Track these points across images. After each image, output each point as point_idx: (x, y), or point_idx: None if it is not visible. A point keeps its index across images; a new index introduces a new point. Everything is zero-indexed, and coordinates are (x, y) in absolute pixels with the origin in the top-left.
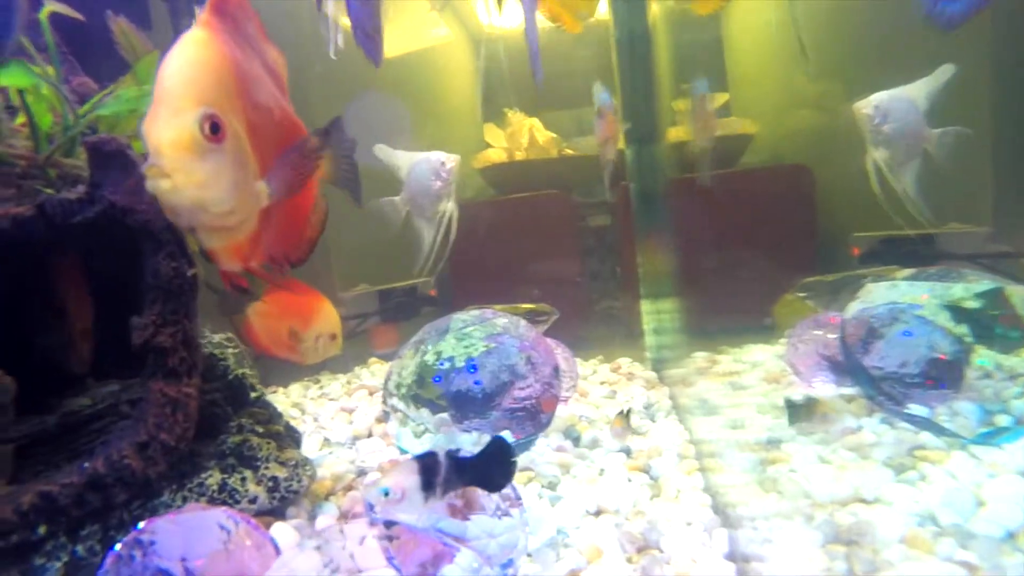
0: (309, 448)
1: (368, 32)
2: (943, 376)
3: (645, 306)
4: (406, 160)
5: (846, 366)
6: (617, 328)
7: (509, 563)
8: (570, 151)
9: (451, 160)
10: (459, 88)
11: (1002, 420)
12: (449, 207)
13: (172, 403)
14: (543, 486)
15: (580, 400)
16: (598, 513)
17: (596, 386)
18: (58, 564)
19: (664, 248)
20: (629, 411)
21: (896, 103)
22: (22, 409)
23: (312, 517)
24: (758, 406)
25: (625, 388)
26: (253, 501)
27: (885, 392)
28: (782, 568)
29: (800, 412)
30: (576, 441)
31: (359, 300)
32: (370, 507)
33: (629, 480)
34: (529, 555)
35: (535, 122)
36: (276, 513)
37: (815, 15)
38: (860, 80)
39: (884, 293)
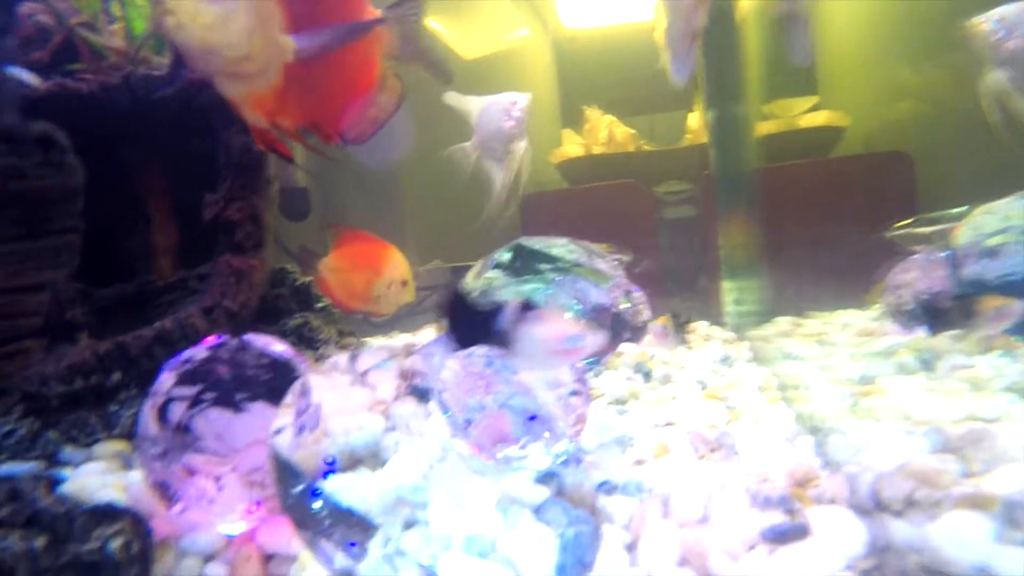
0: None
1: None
2: None
3: (727, 285)
4: (476, 104)
5: (959, 290)
6: (695, 304)
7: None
8: (648, 147)
9: (523, 99)
10: (539, 89)
11: None
12: (521, 147)
13: (236, 273)
14: (610, 403)
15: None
16: (668, 425)
17: None
18: (129, 412)
19: (751, 233)
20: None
21: (1023, 15)
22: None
23: None
24: (850, 355)
25: (701, 347)
26: None
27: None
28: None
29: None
30: (647, 376)
31: (432, 274)
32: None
33: (704, 405)
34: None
35: (613, 119)
36: None
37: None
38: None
39: (990, 217)
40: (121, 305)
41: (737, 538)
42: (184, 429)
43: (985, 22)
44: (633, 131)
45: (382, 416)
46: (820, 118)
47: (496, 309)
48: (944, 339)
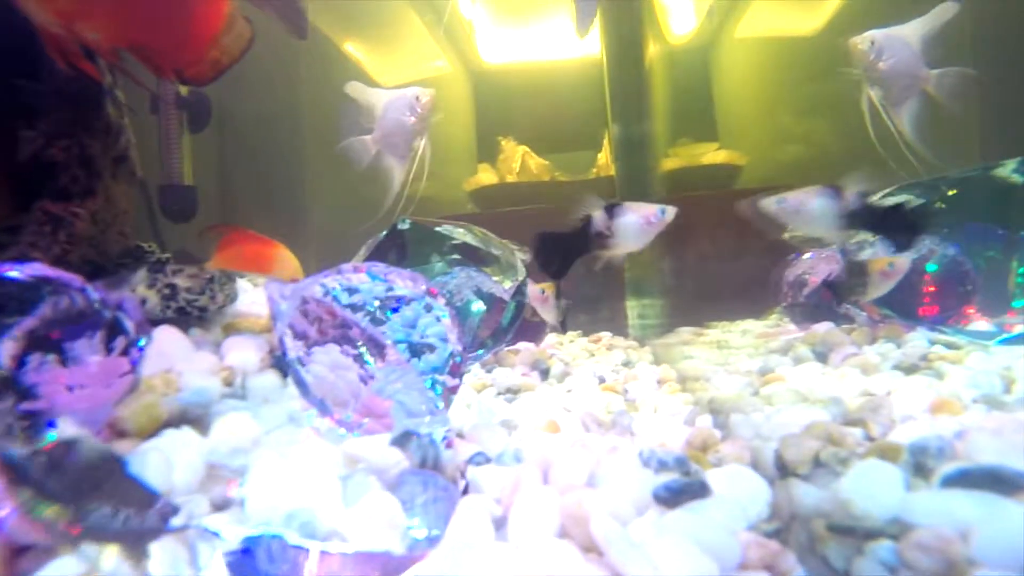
0: None
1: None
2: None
3: (631, 303)
4: (380, 97)
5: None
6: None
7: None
8: (563, 178)
9: (426, 94)
10: (455, 122)
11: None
12: (422, 144)
13: (54, 221)
14: (499, 393)
15: (559, 348)
16: (562, 412)
17: (571, 348)
18: None
19: (654, 255)
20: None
21: (892, 40)
22: None
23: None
24: (748, 354)
25: (604, 355)
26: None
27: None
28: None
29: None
30: (544, 373)
31: None
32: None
33: (601, 397)
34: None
35: (527, 149)
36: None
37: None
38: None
39: None
40: None
41: (626, 500)
42: None
43: (862, 43)
44: (547, 162)
45: (221, 382)
46: (720, 156)
47: (585, 221)
48: (836, 333)
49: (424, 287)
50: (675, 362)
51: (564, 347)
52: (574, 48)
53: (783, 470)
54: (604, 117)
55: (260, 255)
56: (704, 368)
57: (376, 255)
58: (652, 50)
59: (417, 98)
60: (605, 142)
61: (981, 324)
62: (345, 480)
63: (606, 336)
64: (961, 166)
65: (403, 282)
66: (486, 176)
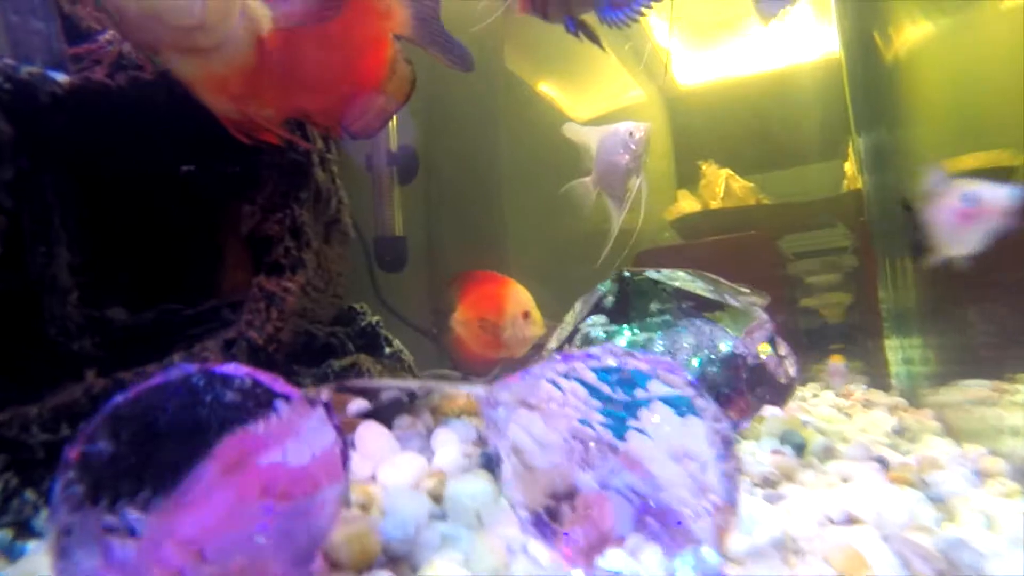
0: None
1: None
2: None
3: (891, 342)
4: (594, 135)
5: None
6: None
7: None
8: (767, 200)
9: (640, 129)
10: (652, 150)
11: None
12: (636, 184)
13: (268, 297)
14: (755, 484)
15: (805, 412)
16: (850, 522)
17: (820, 408)
18: None
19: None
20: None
21: None
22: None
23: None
24: None
25: (863, 416)
26: None
27: None
28: None
29: None
30: (799, 449)
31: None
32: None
33: (893, 493)
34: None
35: (730, 172)
36: None
37: None
38: None
39: None
40: (141, 337)
41: None
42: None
43: None
44: (751, 184)
45: (428, 496)
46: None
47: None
48: None
49: (686, 380)
50: (984, 437)
51: (806, 401)
52: (785, 56)
53: None
54: (843, 125)
55: (498, 295)
56: None
57: (596, 311)
58: (912, 34)
59: (631, 134)
60: (849, 151)
61: None
62: None
63: (858, 388)
64: None
65: (666, 376)
66: (688, 203)
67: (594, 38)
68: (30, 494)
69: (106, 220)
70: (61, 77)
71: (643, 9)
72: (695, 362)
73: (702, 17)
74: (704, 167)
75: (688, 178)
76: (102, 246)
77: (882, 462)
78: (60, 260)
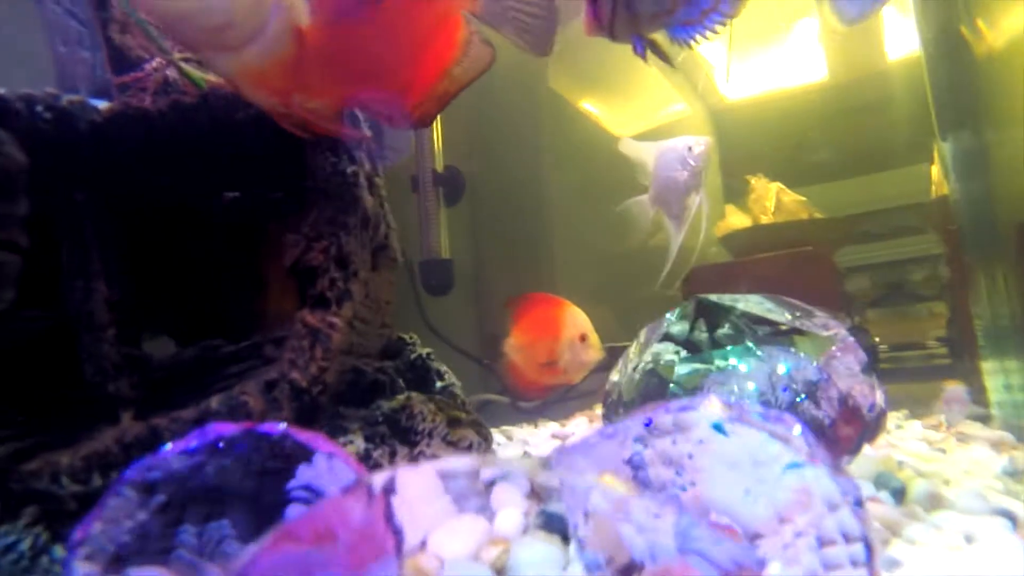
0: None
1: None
2: None
3: (988, 365)
4: (651, 151)
5: None
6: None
7: None
8: (818, 214)
9: (699, 143)
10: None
11: None
12: (696, 201)
13: (312, 334)
14: None
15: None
16: None
17: (910, 443)
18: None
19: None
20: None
21: None
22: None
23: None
24: None
25: (962, 452)
26: None
27: None
28: None
29: None
30: (898, 495)
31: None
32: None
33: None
34: None
35: (780, 186)
36: None
37: None
38: None
39: None
40: (180, 374)
41: None
42: None
43: None
44: (803, 198)
45: (491, 570)
46: None
47: None
48: None
49: (806, 440)
50: None
51: (890, 433)
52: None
53: None
54: (925, 128)
55: (554, 317)
56: None
57: (664, 339)
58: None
59: (689, 149)
60: (935, 155)
61: None
62: None
63: (956, 418)
64: None
65: (788, 435)
66: (737, 219)
67: (664, 57)
68: (59, 550)
69: (145, 251)
70: (103, 105)
71: (716, 27)
72: (780, 394)
73: (756, 26)
74: (753, 181)
75: (736, 194)
76: (140, 279)
77: (1010, 517)
78: (98, 295)
